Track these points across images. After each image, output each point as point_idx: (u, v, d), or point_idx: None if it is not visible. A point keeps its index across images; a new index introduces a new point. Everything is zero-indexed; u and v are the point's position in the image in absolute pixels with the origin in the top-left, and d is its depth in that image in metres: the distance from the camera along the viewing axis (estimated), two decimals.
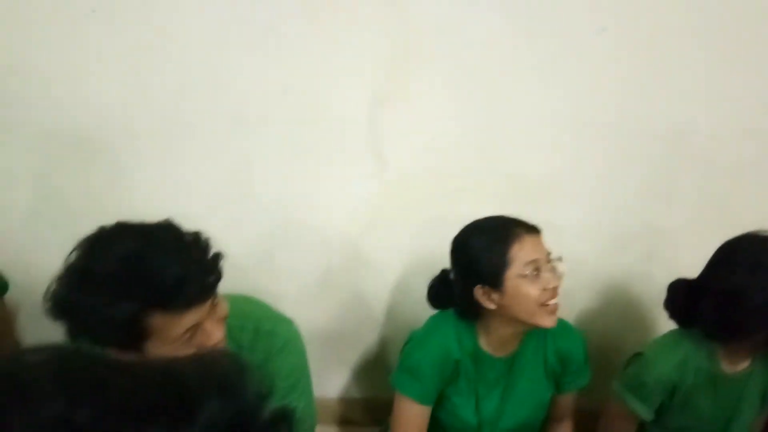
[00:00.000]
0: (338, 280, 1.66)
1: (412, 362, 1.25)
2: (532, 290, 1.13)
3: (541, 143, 1.50)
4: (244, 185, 1.53)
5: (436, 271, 1.30)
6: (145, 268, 0.84)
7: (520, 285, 1.13)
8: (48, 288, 0.88)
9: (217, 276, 0.93)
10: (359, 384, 1.84)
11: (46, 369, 0.37)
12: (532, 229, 1.18)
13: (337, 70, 1.41)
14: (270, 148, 1.49)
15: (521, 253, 1.14)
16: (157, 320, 0.86)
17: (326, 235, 1.60)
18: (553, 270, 1.15)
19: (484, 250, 1.16)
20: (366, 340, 1.77)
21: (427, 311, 1.31)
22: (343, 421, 1.85)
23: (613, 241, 1.62)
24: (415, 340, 1.30)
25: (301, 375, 1.17)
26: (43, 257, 1.52)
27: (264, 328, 1.12)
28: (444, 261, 1.24)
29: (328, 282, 1.66)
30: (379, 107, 1.44)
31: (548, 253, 1.17)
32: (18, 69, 1.41)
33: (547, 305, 1.15)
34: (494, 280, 1.15)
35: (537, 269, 1.14)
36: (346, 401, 1.84)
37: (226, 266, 0.96)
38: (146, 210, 1.52)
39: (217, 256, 0.94)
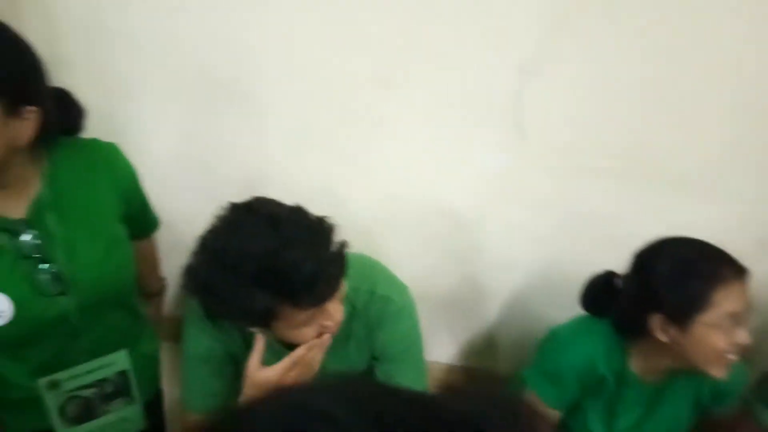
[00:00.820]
0: (457, 251, 1.64)
1: (552, 366, 1.19)
2: (721, 342, 1.01)
3: (699, 128, 1.35)
4: (372, 146, 1.54)
5: (563, 258, 1.24)
6: (282, 265, 0.87)
7: (710, 334, 1.01)
8: (187, 264, 0.93)
9: (344, 268, 0.95)
10: (464, 353, 1.84)
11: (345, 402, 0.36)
12: (740, 272, 1.03)
13: (484, 30, 1.33)
14: (404, 111, 1.47)
15: (725, 301, 1.00)
16: (287, 310, 0.90)
17: (447, 205, 1.57)
18: (747, 323, 1.02)
19: (678, 283, 1.04)
20: (478, 313, 1.75)
21: (545, 297, 1.26)
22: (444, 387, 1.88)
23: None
24: (559, 341, 1.22)
25: (413, 342, 1.18)
26: (180, 199, 1.64)
27: (379, 292, 1.14)
28: (572, 248, 1.17)
29: (447, 252, 1.65)
30: (524, 74, 1.35)
31: (749, 303, 1.02)
32: (174, 13, 1.47)
33: (727, 357, 1.03)
34: (680, 317, 1.03)
35: (735, 322, 1.00)
36: (449, 368, 1.86)
37: (348, 225, 0.97)
38: (277, 160, 1.61)
39: (343, 246, 0.94)
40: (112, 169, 1.08)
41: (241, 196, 1.62)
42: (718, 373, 1.04)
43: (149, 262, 1.33)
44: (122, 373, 1.12)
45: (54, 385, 1.05)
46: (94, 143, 1.08)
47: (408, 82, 1.42)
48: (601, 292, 1.20)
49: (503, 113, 1.40)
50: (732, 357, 1.03)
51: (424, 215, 1.60)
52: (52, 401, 1.05)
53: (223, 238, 0.91)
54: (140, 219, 1.17)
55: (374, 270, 1.18)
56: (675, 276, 1.05)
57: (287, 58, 1.47)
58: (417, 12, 1.34)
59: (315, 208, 0.98)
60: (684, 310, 1.03)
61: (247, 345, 1.11)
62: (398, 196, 1.59)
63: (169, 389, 1.39)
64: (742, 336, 1.02)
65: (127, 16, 1.46)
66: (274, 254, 0.87)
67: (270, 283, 0.87)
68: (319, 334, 0.98)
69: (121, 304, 1.14)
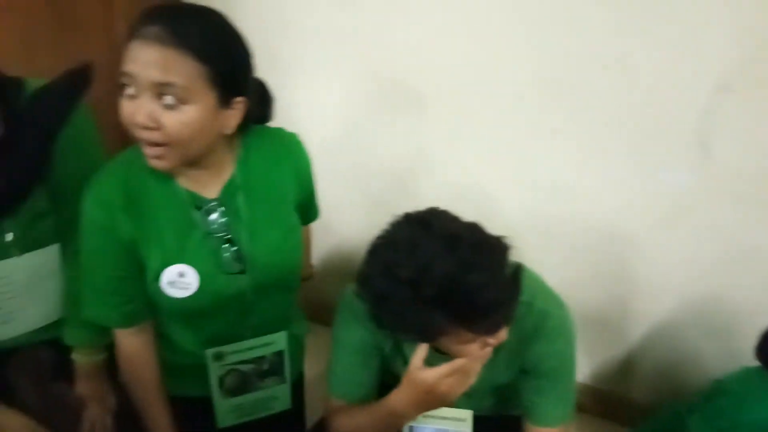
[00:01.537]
0: (607, 268, 1.55)
1: (729, 425, 1.10)
2: None
3: None
4: (532, 151, 1.49)
5: (725, 294, 1.13)
6: (462, 290, 0.85)
7: None
8: (362, 271, 0.95)
9: (519, 292, 0.92)
10: (598, 375, 1.75)
11: None
12: None
13: (680, 43, 1.24)
14: (573, 120, 1.40)
15: None
16: (459, 330, 0.90)
17: (603, 219, 1.49)
18: None
19: None
20: (620, 336, 1.66)
21: (698, 330, 1.15)
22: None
23: None
24: (735, 398, 1.13)
25: (567, 361, 1.13)
26: (330, 188, 1.68)
27: (538, 305, 1.09)
28: (738, 284, 1.06)
29: (596, 267, 1.57)
30: (722, 93, 1.24)
31: None
32: (348, 6, 1.50)
33: None
34: None
35: None
36: (580, 387, 1.78)
37: (494, 226, 0.94)
38: (430, 154, 1.60)
39: (519, 270, 0.92)
40: (295, 158, 1.12)
41: (391, 189, 1.66)
42: None
43: (304, 249, 1.37)
44: (279, 353, 1.16)
45: (219, 357, 1.10)
46: (281, 132, 1.12)
47: (580, 90, 1.35)
48: None
49: (688, 130, 1.29)
50: None
51: (576, 226, 1.53)
52: (214, 371, 1.11)
53: (400, 254, 0.89)
54: (307, 207, 1.20)
55: (532, 281, 1.14)
56: None
57: (450, 57, 1.45)
58: (598, 19, 1.26)
59: (463, 205, 0.96)
60: None
61: (397, 343, 1.11)
62: (550, 202, 1.53)
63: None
64: None
65: (301, 6, 1.51)
66: (455, 278, 0.85)
67: (448, 307, 0.86)
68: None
69: (288, 287, 1.18)
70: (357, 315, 1.11)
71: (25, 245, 1.12)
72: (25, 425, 1.15)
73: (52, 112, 1.06)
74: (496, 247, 0.91)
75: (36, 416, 1.17)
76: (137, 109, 0.88)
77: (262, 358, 1.15)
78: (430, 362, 0.98)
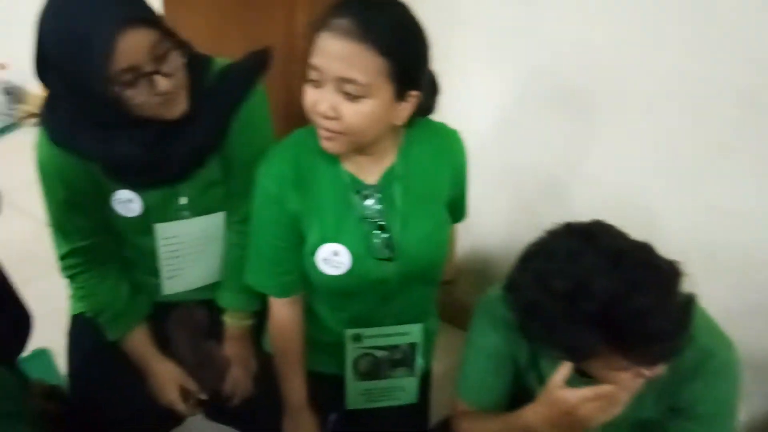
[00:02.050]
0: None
1: None
2: None
3: None
4: (711, 173, 1.35)
5: None
6: (625, 312, 0.79)
7: None
8: (512, 277, 0.92)
9: (689, 326, 0.83)
10: (758, 426, 1.56)
11: None
12: None
13: None
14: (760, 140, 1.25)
15: None
16: (613, 355, 0.83)
17: None
18: None
19: None
20: None
21: None
22: None
23: None
24: None
25: (728, 407, 1.01)
26: (483, 192, 1.64)
27: (702, 341, 0.99)
28: None
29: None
30: None
31: None
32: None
33: None
34: None
35: None
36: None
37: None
38: (590, 164, 1.51)
39: (692, 301, 0.83)
40: (455, 155, 1.13)
41: (539, 194, 1.60)
42: None
43: (449, 249, 1.36)
44: (412, 345, 1.17)
45: (357, 338, 1.14)
46: (443, 127, 1.13)
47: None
48: None
49: None
50: None
51: (747, 255, 1.37)
52: (351, 352, 1.14)
53: (558, 264, 0.85)
54: (456, 207, 1.20)
55: (697, 313, 1.03)
56: None
57: (624, 60, 1.36)
58: None
59: (618, 221, 0.89)
60: None
61: (533, 356, 1.07)
62: (719, 225, 1.38)
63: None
64: None
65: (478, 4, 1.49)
66: (618, 299, 0.79)
67: (606, 328, 0.80)
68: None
69: (431, 280, 1.19)
70: (496, 321, 1.08)
71: (196, 210, 1.22)
72: (176, 374, 1.26)
73: (233, 91, 1.14)
74: (668, 271, 0.83)
75: (186, 368, 1.28)
76: (320, 99, 0.93)
77: (396, 347, 1.16)
78: (569, 382, 0.93)
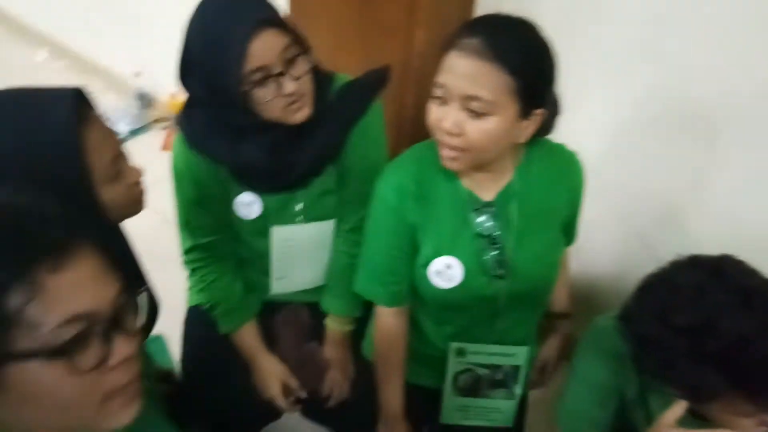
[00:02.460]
0: None
1: None
2: None
3: None
4: None
5: None
6: (753, 355, 0.76)
7: None
8: (627, 306, 0.89)
9: None
10: None
11: None
12: None
13: None
14: None
15: None
16: (735, 399, 0.79)
17: None
18: None
19: None
20: None
21: None
22: None
23: None
24: None
25: None
26: (593, 214, 1.57)
27: None
28: None
29: None
30: None
31: None
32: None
33: None
34: None
35: None
36: None
37: None
38: (722, 210, 1.42)
39: None
40: (574, 177, 1.12)
41: (654, 222, 1.53)
42: None
43: (561, 277, 1.31)
44: (515, 368, 1.15)
45: (461, 353, 1.14)
46: (563, 149, 1.12)
47: None
48: None
49: None
50: None
51: None
52: (453, 366, 1.15)
53: (681, 299, 0.82)
54: (568, 229, 1.17)
55: None
56: None
57: (758, 85, 1.27)
58: None
59: (748, 257, 0.83)
60: None
61: (642, 390, 1.02)
62: None
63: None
64: None
65: (597, 17, 1.45)
66: (747, 340, 0.76)
67: (732, 370, 0.77)
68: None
69: (539, 302, 1.17)
70: (604, 351, 1.04)
71: (309, 216, 1.27)
72: (280, 371, 1.32)
73: (354, 105, 1.19)
74: None
75: (289, 366, 1.34)
76: (445, 116, 0.95)
77: (498, 367, 1.15)
78: (681, 423, 0.88)
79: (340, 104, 1.19)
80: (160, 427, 0.84)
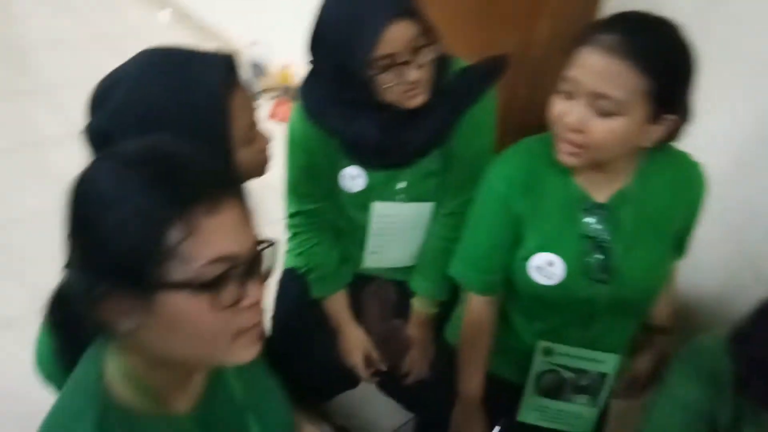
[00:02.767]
0: None
1: None
2: None
3: None
4: None
5: None
6: None
7: None
8: (741, 329, 0.86)
9: None
10: None
11: None
12: None
13: None
14: None
15: None
16: None
17: None
18: None
19: None
20: None
21: None
22: None
23: None
24: None
25: None
26: (702, 230, 1.50)
27: None
28: None
29: None
30: None
31: None
32: None
33: None
34: None
35: None
36: None
37: None
38: None
39: None
40: (695, 189, 1.08)
41: (765, 253, 1.43)
42: None
43: (668, 288, 1.26)
44: (602, 375, 1.12)
45: (548, 352, 1.12)
46: (686, 158, 1.08)
47: None
48: None
49: None
50: None
51: None
52: (538, 364, 1.14)
53: None
54: (679, 242, 1.12)
55: None
56: None
57: None
58: None
59: None
60: None
61: (737, 417, 0.97)
62: None
63: None
64: None
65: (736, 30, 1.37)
66: None
67: None
68: None
69: (639, 312, 1.14)
70: (702, 372, 1.00)
71: (410, 195, 1.29)
72: (364, 341, 1.36)
73: (469, 91, 1.19)
74: None
75: (373, 338, 1.38)
76: (569, 111, 0.93)
77: (585, 372, 1.12)
78: None
79: (456, 89, 1.19)
80: (264, 372, 0.89)
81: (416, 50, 1.07)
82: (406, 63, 1.06)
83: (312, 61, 1.18)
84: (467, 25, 1.42)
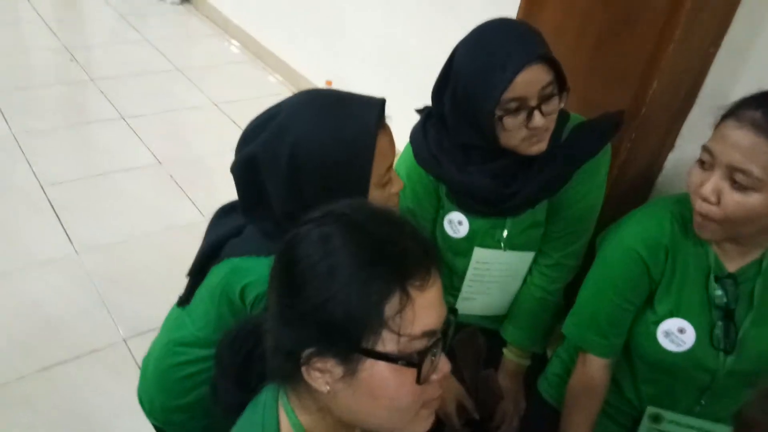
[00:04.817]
0: None
1: None
2: None
3: None
4: None
5: None
6: None
7: None
8: None
9: None
10: None
11: None
12: None
13: None
14: None
15: None
16: None
17: None
18: None
19: None
20: None
21: None
22: None
23: None
24: None
25: None
26: None
27: None
28: None
29: None
30: None
31: None
32: None
33: None
34: None
35: None
36: None
37: None
38: None
39: None
40: None
41: None
42: None
43: None
44: None
45: (657, 419, 1.09)
46: None
47: None
48: None
49: None
50: None
51: None
52: (644, 430, 1.11)
53: None
54: None
55: None
56: None
57: None
58: None
59: None
60: None
61: None
62: None
63: None
64: None
65: None
66: None
67: None
68: None
69: (755, 384, 1.11)
70: None
71: (511, 244, 1.28)
72: (459, 390, 1.34)
73: (586, 146, 1.19)
74: None
75: (466, 387, 1.35)
76: (706, 181, 0.93)
77: None
78: None
79: (574, 143, 1.19)
80: None
81: (546, 98, 1.07)
82: (535, 108, 1.06)
83: (435, 102, 1.20)
84: (584, 80, 1.43)
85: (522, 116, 1.07)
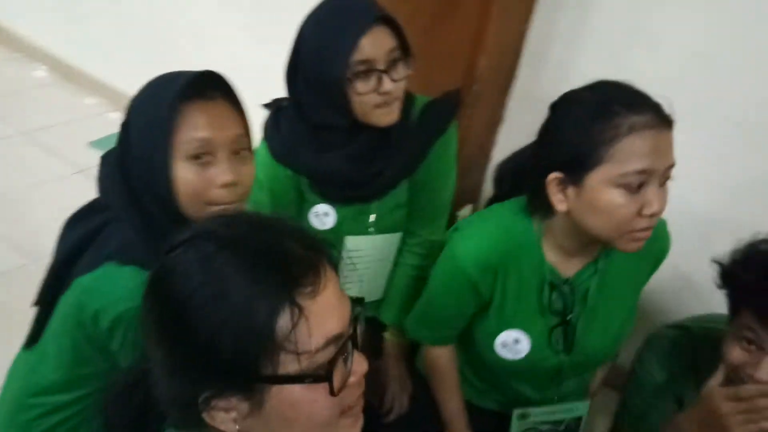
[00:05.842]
0: None
1: None
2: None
3: None
4: None
5: None
6: None
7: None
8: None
9: None
10: None
11: None
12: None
13: None
14: None
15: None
16: None
17: None
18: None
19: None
20: None
21: None
22: None
23: None
24: None
25: None
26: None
27: None
28: None
29: None
30: None
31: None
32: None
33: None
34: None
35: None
36: None
37: None
38: None
39: None
40: (661, 246, 1.13)
41: None
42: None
43: None
44: (578, 419, 1.19)
45: (524, 416, 1.16)
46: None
47: None
48: None
49: None
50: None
51: None
52: (515, 428, 1.17)
53: None
54: None
55: None
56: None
57: None
58: None
59: None
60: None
61: (697, 387, 1.04)
62: None
63: None
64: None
65: None
66: None
67: None
68: None
69: (604, 363, 1.25)
70: (665, 357, 1.10)
71: (379, 228, 1.30)
72: None
73: (437, 123, 1.24)
74: None
75: None
76: (653, 200, 0.90)
77: (560, 421, 1.18)
78: None
79: (426, 121, 1.24)
80: None
81: (393, 62, 1.10)
82: (383, 72, 1.09)
83: (290, 89, 1.18)
84: (418, 63, 1.49)
85: (372, 81, 1.09)
